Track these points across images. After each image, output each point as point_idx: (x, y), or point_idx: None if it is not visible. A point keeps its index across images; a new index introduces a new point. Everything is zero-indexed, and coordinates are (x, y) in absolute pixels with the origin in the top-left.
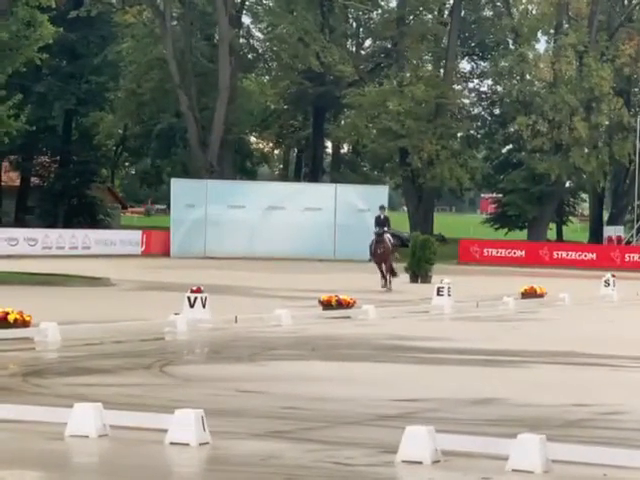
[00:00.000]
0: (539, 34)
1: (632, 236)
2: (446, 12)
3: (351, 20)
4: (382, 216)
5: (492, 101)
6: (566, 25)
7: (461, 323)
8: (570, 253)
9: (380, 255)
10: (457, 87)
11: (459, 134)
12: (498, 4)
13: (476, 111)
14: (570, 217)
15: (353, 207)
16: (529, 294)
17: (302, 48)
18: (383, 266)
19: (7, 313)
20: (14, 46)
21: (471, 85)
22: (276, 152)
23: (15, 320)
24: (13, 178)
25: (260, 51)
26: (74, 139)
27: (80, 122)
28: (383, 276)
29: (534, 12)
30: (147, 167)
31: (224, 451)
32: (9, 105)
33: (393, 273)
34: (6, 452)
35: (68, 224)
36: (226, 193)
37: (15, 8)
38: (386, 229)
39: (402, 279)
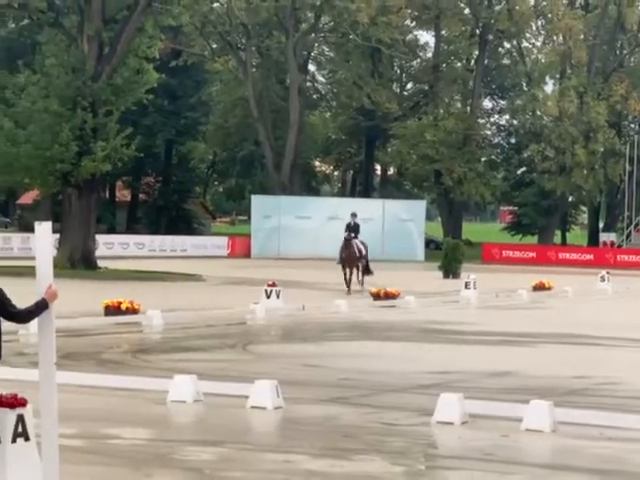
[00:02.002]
0: (547, 78)
1: (623, 240)
2: (472, 61)
3: (396, 67)
4: (352, 223)
5: (509, 132)
6: (569, 71)
7: (484, 311)
8: (572, 254)
9: (344, 259)
10: (481, 121)
11: (483, 159)
12: (514, 54)
13: (496, 140)
14: (572, 225)
15: (397, 217)
16: (539, 288)
17: (356, 90)
18: (347, 270)
19: (120, 302)
20: (126, 89)
21: (492, 119)
22: (335, 173)
23: (127, 308)
24: (125, 195)
25: (323, 92)
26: (174, 163)
27: (178, 150)
28: (346, 281)
29: (543, 60)
30: (232, 185)
31: (294, 414)
32: (122, 136)
33: (368, 271)
34: (120, 414)
35: (169, 231)
36: (296, 206)
37: (127, 59)
38: (353, 235)
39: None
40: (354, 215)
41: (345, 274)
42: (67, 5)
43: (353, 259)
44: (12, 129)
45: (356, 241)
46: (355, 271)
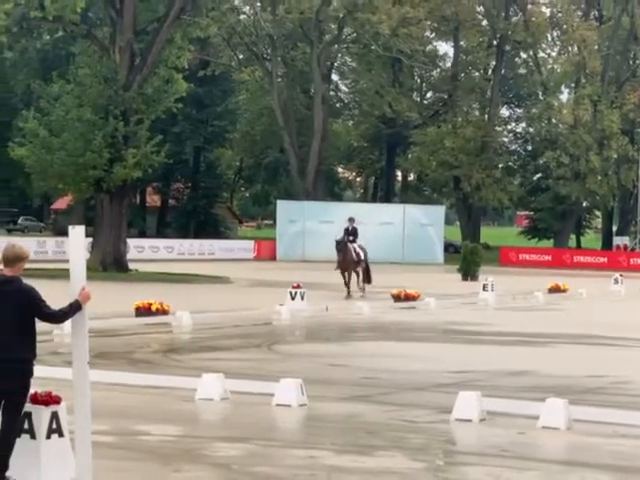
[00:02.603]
0: (562, 87)
1: (635, 244)
2: (490, 70)
3: (416, 77)
4: (350, 227)
5: (525, 139)
6: (583, 80)
7: (501, 312)
8: (586, 257)
9: (341, 263)
10: (498, 129)
11: (500, 165)
12: (530, 64)
13: (513, 147)
14: (586, 229)
15: (417, 222)
16: (554, 290)
17: (378, 99)
18: (346, 274)
19: (150, 304)
20: (156, 98)
21: (509, 127)
22: (358, 179)
23: (157, 309)
24: (155, 200)
25: (346, 101)
26: (202, 170)
27: (206, 156)
28: (346, 284)
29: (558, 70)
30: (258, 191)
31: (318, 411)
32: (152, 144)
33: (368, 279)
34: (150, 411)
35: (197, 235)
36: (319, 211)
37: (157, 69)
38: (352, 238)
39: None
40: (351, 220)
41: (344, 278)
42: (100, 17)
43: (350, 263)
44: (47, 137)
45: (354, 245)
46: (355, 275)
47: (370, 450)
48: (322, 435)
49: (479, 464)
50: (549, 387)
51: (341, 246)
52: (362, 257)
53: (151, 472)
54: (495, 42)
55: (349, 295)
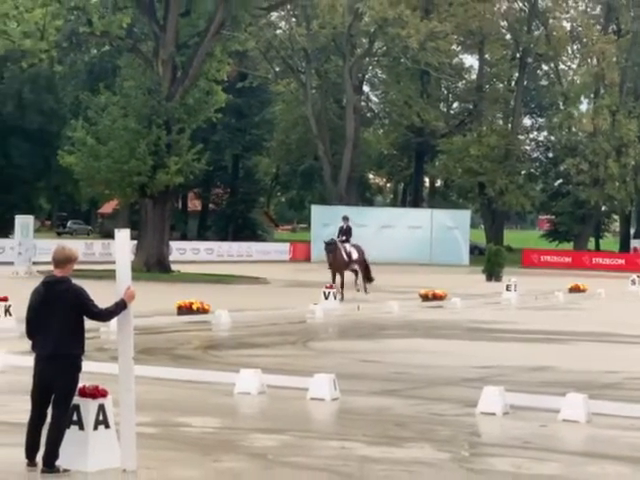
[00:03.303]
0: (582, 98)
1: None
2: (513, 82)
3: (443, 88)
4: (345, 226)
5: (547, 147)
6: (602, 91)
7: (524, 311)
8: (605, 259)
9: (332, 264)
10: (521, 137)
11: (523, 172)
12: (551, 76)
13: (535, 155)
14: (605, 232)
15: (444, 226)
16: (574, 290)
17: (407, 109)
18: (338, 276)
19: (192, 303)
20: (197, 108)
21: (531, 135)
22: (388, 185)
23: (197, 308)
24: (196, 204)
25: (376, 111)
26: (240, 176)
27: (245, 164)
28: (333, 283)
29: (578, 81)
30: (293, 196)
31: (350, 404)
32: (193, 151)
33: (369, 278)
34: (191, 404)
35: (236, 238)
36: (351, 215)
37: (198, 81)
38: (344, 238)
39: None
40: (346, 218)
41: (334, 279)
42: (144, 32)
43: (341, 263)
44: (94, 145)
45: (345, 245)
46: (354, 275)
47: (399, 441)
48: (354, 427)
49: (503, 455)
50: (569, 382)
51: (331, 247)
52: (355, 257)
53: (192, 462)
54: (518, 55)
55: (342, 299)
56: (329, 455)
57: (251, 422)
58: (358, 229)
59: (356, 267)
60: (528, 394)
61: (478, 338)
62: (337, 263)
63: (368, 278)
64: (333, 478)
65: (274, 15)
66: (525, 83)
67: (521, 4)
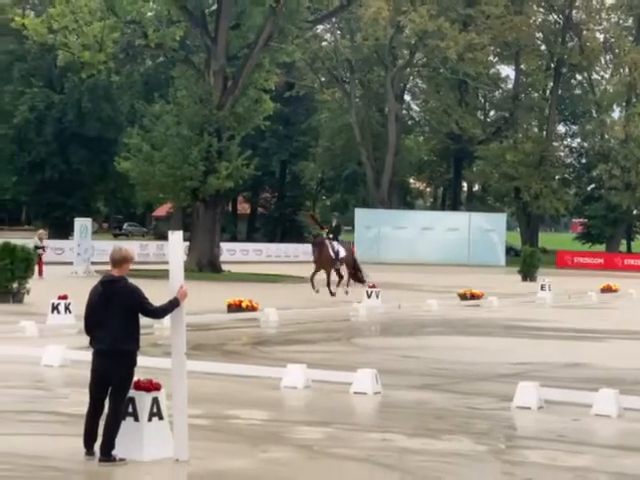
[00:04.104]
0: (614, 106)
1: None
2: (548, 91)
3: (480, 97)
4: (334, 223)
5: (580, 153)
6: (634, 99)
7: (558, 310)
8: (636, 261)
9: (317, 261)
10: (555, 144)
11: (557, 177)
12: (585, 85)
13: (569, 161)
14: (636, 235)
15: (481, 228)
16: (607, 290)
17: (446, 117)
18: (325, 273)
19: (241, 301)
20: (247, 116)
21: (565, 142)
22: (428, 190)
23: (246, 306)
24: (245, 208)
25: (417, 119)
26: (287, 181)
27: (292, 169)
28: (327, 283)
29: (611, 90)
30: (338, 200)
31: (391, 398)
32: (243, 157)
33: (357, 278)
34: (240, 398)
35: (283, 240)
36: (393, 218)
37: (247, 90)
38: (332, 236)
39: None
40: (335, 215)
41: (314, 276)
42: (196, 45)
43: (327, 261)
44: (149, 151)
45: (333, 243)
46: (343, 273)
47: (438, 434)
48: (395, 420)
49: (537, 448)
50: (602, 378)
51: (318, 245)
52: (342, 255)
53: (241, 452)
54: (553, 65)
55: (334, 293)
56: (371, 447)
57: (297, 415)
58: (399, 231)
59: (342, 267)
60: (562, 389)
61: (514, 335)
62: (323, 260)
63: (355, 278)
64: (375, 469)
65: (320, 28)
66: (559, 92)
67: (556, 16)
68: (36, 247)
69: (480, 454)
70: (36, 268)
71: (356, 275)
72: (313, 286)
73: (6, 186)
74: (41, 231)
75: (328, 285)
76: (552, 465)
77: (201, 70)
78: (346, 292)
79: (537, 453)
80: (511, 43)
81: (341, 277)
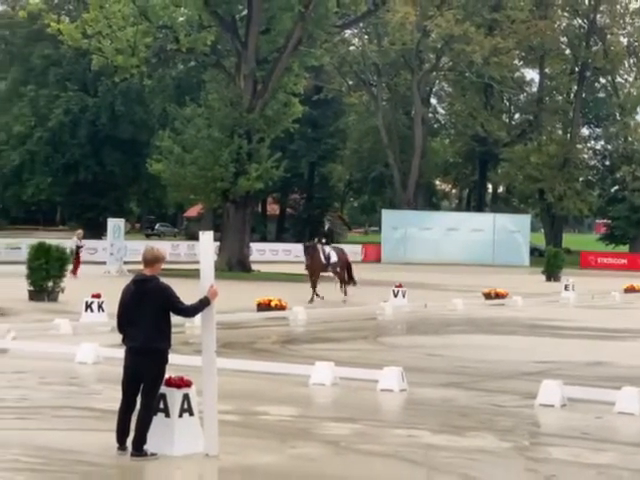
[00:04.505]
0: (638, 108)
1: None
2: (572, 94)
3: (505, 100)
4: (327, 227)
5: (604, 155)
6: None
7: (581, 309)
8: None
9: (308, 266)
10: (579, 146)
11: (580, 179)
12: (609, 88)
13: (592, 163)
14: None
15: (506, 229)
16: (630, 290)
17: (471, 120)
18: (314, 278)
19: (270, 300)
20: (276, 119)
21: (589, 145)
22: (453, 191)
23: (276, 305)
24: (275, 209)
25: (442, 122)
26: (316, 182)
27: (320, 171)
28: (313, 287)
29: (634, 93)
30: (365, 201)
31: (417, 396)
32: (272, 159)
33: (351, 279)
34: (269, 394)
35: (311, 240)
36: (419, 219)
37: (276, 94)
38: (325, 241)
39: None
40: (329, 220)
41: (311, 281)
42: (227, 49)
43: (318, 266)
44: (181, 153)
45: (325, 247)
46: (337, 279)
47: (463, 431)
48: (420, 417)
49: (561, 445)
50: (624, 377)
51: (309, 249)
52: (334, 260)
53: (269, 447)
54: (577, 69)
55: (312, 300)
56: (397, 443)
57: (325, 411)
58: (425, 232)
59: (337, 270)
60: (585, 387)
61: (538, 334)
62: (314, 265)
63: (350, 280)
64: (401, 464)
65: (348, 33)
66: (583, 95)
67: (580, 21)
68: (77, 247)
69: (504, 451)
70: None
71: (350, 277)
72: (317, 294)
73: (41, 187)
74: (79, 231)
75: (313, 289)
76: (575, 462)
77: (232, 74)
78: (345, 293)
79: (560, 450)
80: (536, 47)
81: (339, 281)
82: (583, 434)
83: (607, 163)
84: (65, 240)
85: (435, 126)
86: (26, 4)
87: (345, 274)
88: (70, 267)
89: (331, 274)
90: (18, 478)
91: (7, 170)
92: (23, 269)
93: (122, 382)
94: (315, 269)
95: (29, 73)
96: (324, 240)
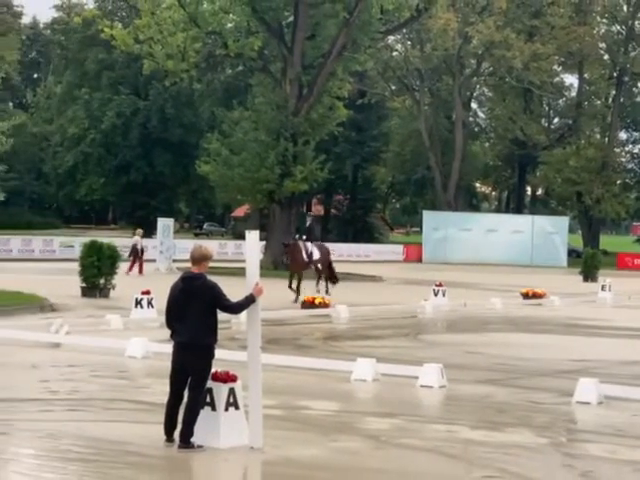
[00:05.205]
0: None
1: None
2: (610, 99)
3: (544, 105)
4: (308, 224)
5: None
6: None
7: (618, 309)
8: None
9: (288, 264)
10: (617, 150)
11: (618, 182)
12: None
13: (630, 166)
14: None
15: (544, 230)
16: None
17: (511, 124)
18: (296, 276)
19: (314, 298)
20: (321, 123)
21: (627, 148)
22: (493, 193)
23: (319, 303)
24: (319, 209)
25: (483, 126)
26: (359, 184)
27: (363, 173)
28: (290, 286)
29: None
30: (407, 203)
31: (456, 392)
32: (317, 162)
33: (334, 280)
34: (312, 389)
35: (355, 240)
36: (459, 220)
37: (321, 98)
38: (305, 237)
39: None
40: (309, 215)
41: (291, 279)
42: (273, 54)
43: (299, 264)
44: (228, 156)
45: (307, 244)
46: (321, 277)
47: (501, 426)
48: (459, 413)
49: (597, 441)
50: None
51: (290, 248)
52: (316, 257)
53: (312, 441)
54: (615, 74)
55: (296, 300)
56: (436, 437)
57: (366, 406)
58: (465, 233)
59: (318, 266)
60: (621, 386)
61: (575, 333)
62: (295, 264)
63: (331, 279)
64: (440, 459)
65: (391, 39)
66: (621, 100)
67: (619, 27)
68: (138, 246)
69: (541, 447)
70: (136, 266)
71: (332, 275)
72: (297, 292)
73: (94, 187)
74: (140, 230)
75: (297, 288)
76: (611, 459)
77: (278, 78)
78: (327, 292)
79: (597, 447)
80: (575, 53)
81: (320, 280)
82: (619, 431)
83: None
84: (117, 239)
85: (475, 130)
86: (81, 11)
87: (327, 272)
88: (124, 264)
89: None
90: (70, 467)
91: (62, 171)
92: (76, 266)
93: (170, 376)
94: (297, 268)
95: (83, 77)
96: (304, 237)
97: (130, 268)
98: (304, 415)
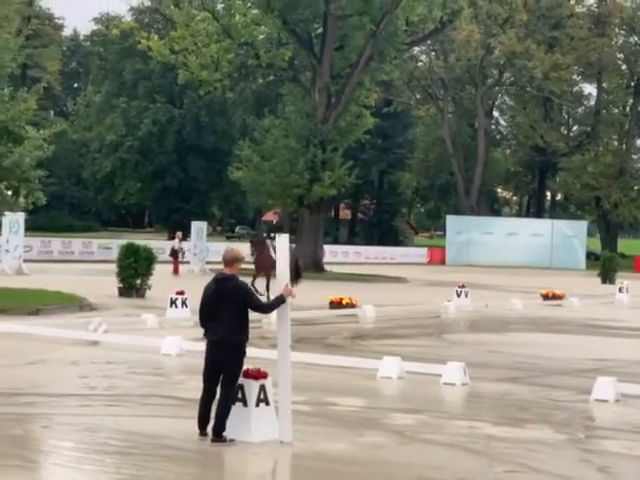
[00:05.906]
0: None
1: None
2: (628, 107)
3: (564, 113)
4: (275, 222)
5: None
6: None
7: (635, 311)
8: None
9: (256, 263)
10: (634, 156)
11: (635, 187)
12: None
13: None
14: None
15: (564, 234)
16: None
17: (532, 132)
18: (265, 277)
19: (342, 298)
20: (349, 130)
21: None
22: (514, 198)
23: (347, 303)
24: (347, 214)
25: (504, 133)
26: (385, 189)
27: (389, 178)
28: (266, 288)
29: None
30: (431, 207)
31: (478, 389)
32: (345, 168)
33: (298, 279)
34: (339, 386)
35: (381, 243)
36: (481, 224)
37: (349, 106)
38: (273, 235)
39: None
40: (276, 212)
41: (254, 280)
42: (303, 65)
43: (268, 262)
44: (259, 162)
45: (274, 242)
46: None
47: (521, 423)
48: (481, 409)
49: (614, 438)
50: None
51: (258, 245)
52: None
53: (339, 436)
54: (633, 83)
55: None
56: (459, 433)
57: (391, 403)
58: (487, 236)
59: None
60: (638, 384)
61: (593, 334)
62: (264, 261)
63: (296, 278)
64: (462, 454)
65: (416, 50)
66: (639, 108)
67: (636, 38)
68: (179, 248)
69: (560, 443)
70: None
71: (297, 276)
72: (267, 292)
73: (131, 192)
74: (179, 233)
75: (267, 288)
76: (628, 455)
77: (307, 88)
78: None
79: (614, 443)
80: (594, 63)
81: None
82: (636, 428)
83: None
84: (153, 241)
85: (497, 137)
86: (119, 23)
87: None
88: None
89: None
90: (107, 460)
91: (100, 176)
92: (114, 267)
93: (203, 373)
94: (265, 265)
95: (121, 86)
96: (272, 235)
97: (175, 269)
98: (332, 411)
